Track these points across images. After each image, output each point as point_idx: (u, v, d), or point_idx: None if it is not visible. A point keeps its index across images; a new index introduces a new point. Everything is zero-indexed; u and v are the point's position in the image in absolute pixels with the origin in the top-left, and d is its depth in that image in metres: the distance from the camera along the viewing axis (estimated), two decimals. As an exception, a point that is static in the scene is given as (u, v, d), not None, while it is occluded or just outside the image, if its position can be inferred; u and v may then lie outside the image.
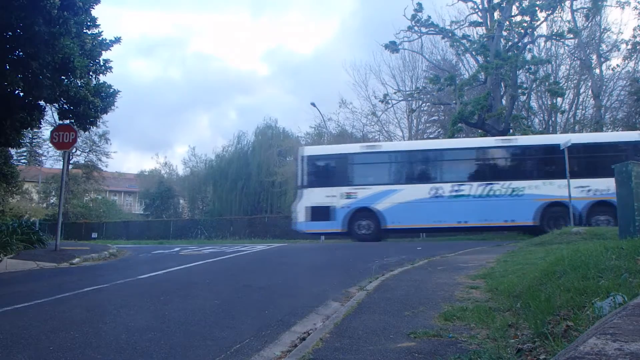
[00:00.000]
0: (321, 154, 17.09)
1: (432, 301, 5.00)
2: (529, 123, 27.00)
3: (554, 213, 15.09)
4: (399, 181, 16.07)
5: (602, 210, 14.91)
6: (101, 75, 11.04)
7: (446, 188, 15.64)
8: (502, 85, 23.88)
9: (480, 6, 24.63)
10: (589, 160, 15.84)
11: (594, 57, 27.13)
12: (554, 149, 15.77)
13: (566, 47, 27.31)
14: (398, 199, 15.60)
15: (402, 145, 18.13)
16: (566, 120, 29.46)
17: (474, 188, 15.58)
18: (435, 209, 15.47)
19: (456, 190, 15.60)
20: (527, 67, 23.03)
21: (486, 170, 16.14)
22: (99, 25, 10.80)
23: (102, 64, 10.81)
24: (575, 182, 14.75)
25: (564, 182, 14.73)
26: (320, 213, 15.82)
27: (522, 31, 22.98)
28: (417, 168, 16.55)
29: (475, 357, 3.08)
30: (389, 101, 27.36)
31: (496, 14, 23.51)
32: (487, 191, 15.51)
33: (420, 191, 15.63)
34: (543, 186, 15.32)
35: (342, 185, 16.00)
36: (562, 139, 16.87)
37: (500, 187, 15.48)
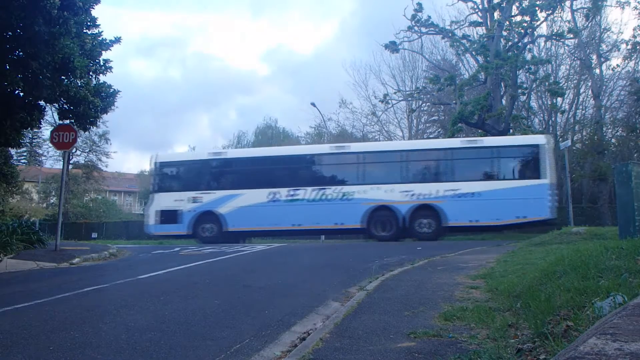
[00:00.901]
0: (172, 161, 18.00)
1: (432, 301, 5.00)
2: (529, 123, 27.01)
3: (381, 216, 15.86)
4: (240, 186, 16.78)
5: (425, 214, 15.67)
6: (101, 75, 11.03)
7: (283, 193, 16.46)
8: (502, 85, 23.89)
9: (480, 6, 24.64)
10: (413, 166, 16.68)
11: (594, 57, 27.13)
12: (381, 155, 17.08)
13: (566, 47, 27.35)
14: (239, 203, 16.38)
15: (244, 152, 19.25)
16: (566, 120, 29.48)
17: (308, 193, 16.35)
18: (273, 213, 16.31)
19: (292, 195, 16.38)
20: (527, 67, 23.04)
21: (320, 175, 16.93)
22: (99, 25, 10.80)
23: (102, 64, 10.80)
24: (400, 186, 15.81)
25: (390, 186, 15.81)
26: (169, 216, 16.69)
27: (522, 31, 22.98)
28: (257, 174, 17.33)
29: (475, 357, 3.08)
30: (389, 101, 27.37)
31: (496, 14, 23.51)
32: (320, 196, 16.25)
33: (259, 196, 16.45)
34: (371, 191, 15.92)
35: (189, 190, 16.88)
36: (390, 146, 18.81)
37: (332, 191, 16.20)
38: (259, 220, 16.26)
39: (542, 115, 29.72)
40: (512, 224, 15.71)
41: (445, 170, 16.39)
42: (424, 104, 30.78)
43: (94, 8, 10.22)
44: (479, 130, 24.12)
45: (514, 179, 15.66)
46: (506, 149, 16.31)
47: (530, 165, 15.73)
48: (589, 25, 25.60)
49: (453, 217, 15.37)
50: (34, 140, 36.18)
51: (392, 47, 24.75)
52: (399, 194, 15.62)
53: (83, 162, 36.86)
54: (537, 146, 15.65)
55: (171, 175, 17.56)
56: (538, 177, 15.24)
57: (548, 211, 14.99)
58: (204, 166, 17.52)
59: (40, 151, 37.81)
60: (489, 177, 15.85)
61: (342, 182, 16.35)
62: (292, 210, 16.12)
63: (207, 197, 16.66)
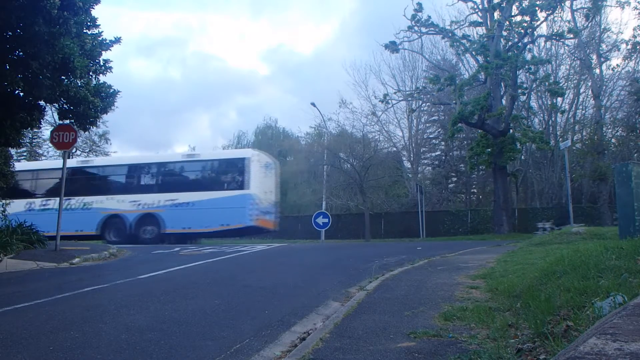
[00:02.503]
0: None
1: (432, 301, 5.00)
2: (529, 123, 27.01)
3: (114, 224, 17.55)
4: (4, 197, 18.25)
5: (148, 222, 17.49)
6: (101, 75, 10.99)
7: (37, 203, 18.24)
8: (502, 85, 23.88)
9: (480, 6, 24.63)
10: (141, 178, 18.44)
11: (594, 57, 27.13)
12: (116, 168, 19.00)
13: (566, 47, 27.33)
14: None
15: None
16: (566, 120, 29.47)
17: (57, 203, 17.60)
18: (29, 221, 17.82)
19: (44, 205, 18.11)
20: (527, 67, 23.03)
21: (67, 187, 18.42)
22: (99, 25, 10.75)
23: (102, 64, 10.77)
24: (130, 197, 17.53)
25: (122, 197, 17.59)
26: None
27: (522, 31, 22.96)
28: (19, 185, 18.70)
29: (475, 357, 3.08)
30: (389, 101, 27.31)
31: (496, 14, 23.50)
32: (66, 205, 17.80)
33: (18, 205, 17.71)
34: (107, 201, 17.88)
35: None
36: (123, 160, 20.43)
37: (76, 202, 17.92)
38: None
39: (542, 115, 29.73)
40: (218, 231, 17.37)
41: (166, 182, 18.18)
42: (424, 104, 30.74)
43: (94, 8, 10.19)
44: (479, 130, 24.12)
45: (222, 189, 17.36)
46: (218, 162, 18.26)
47: (236, 177, 17.43)
48: (589, 25, 25.60)
49: (170, 224, 17.06)
50: (34, 140, 36.15)
51: (392, 47, 24.72)
52: (129, 204, 17.37)
53: (83, 162, 36.78)
54: (243, 160, 17.42)
55: None
56: (242, 188, 16.90)
57: (248, 219, 16.64)
58: None
59: (40, 151, 37.75)
60: (202, 188, 17.58)
61: (85, 193, 18.02)
62: (43, 218, 17.66)
63: None
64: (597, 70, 27.21)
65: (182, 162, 18.57)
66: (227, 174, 17.80)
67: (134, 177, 18.43)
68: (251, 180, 16.88)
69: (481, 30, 25.12)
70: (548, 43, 27.08)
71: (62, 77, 10.21)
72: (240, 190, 16.84)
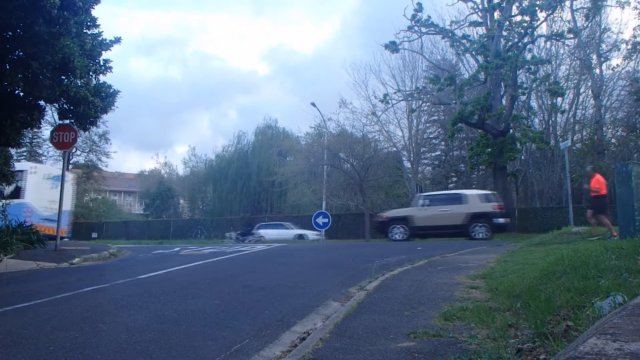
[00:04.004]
0: None
1: (432, 301, 5.00)
2: (529, 123, 27.02)
3: None
4: None
5: None
6: (101, 75, 11.00)
7: None
8: (502, 85, 23.89)
9: (480, 6, 24.64)
10: None
11: (594, 57, 27.15)
12: None
13: (566, 47, 27.35)
14: None
15: None
16: (566, 120, 29.48)
17: None
18: None
19: None
20: (527, 67, 23.05)
21: None
22: (99, 25, 10.77)
23: (102, 64, 10.78)
24: None
25: None
26: None
27: (522, 31, 22.98)
28: None
29: (475, 357, 3.08)
30: (389, 101, 27.33)
31: (496, 14, 23.52)
32: None
33: None
34: None
35: None
36: None
37: None
38: None
39: (542, 115, 29.74)
40: None
41: None
42: (424, 104, 30.75)
43: (94, 8, 10.19)
44: (479, 130, 24.13)
45: (5, 199, 18.37)
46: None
47: (16, 188, 18.54)
48: (589, 25, 25.63)
49: None
50: (34, 140, 36.15)
51: (392, 47, 24.73)
52: None
53: (83, 162, 36.87)
54: (21, 172, 18.64)
55: None
56: (18, 197, 18.31)
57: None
58: None
59: (40, 151, 37.76)
60: None
61: None
62: None
63: None
64: (597, 70, 27.24)
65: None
66: (10, 184, 19.05)
67: None
68: (27, 191, 18.45)
69: (481, 30, 25.15)
70: (548, 43, 27.11)
71: (62, 77, 10.22)
72: (17, 199, 18.14)
